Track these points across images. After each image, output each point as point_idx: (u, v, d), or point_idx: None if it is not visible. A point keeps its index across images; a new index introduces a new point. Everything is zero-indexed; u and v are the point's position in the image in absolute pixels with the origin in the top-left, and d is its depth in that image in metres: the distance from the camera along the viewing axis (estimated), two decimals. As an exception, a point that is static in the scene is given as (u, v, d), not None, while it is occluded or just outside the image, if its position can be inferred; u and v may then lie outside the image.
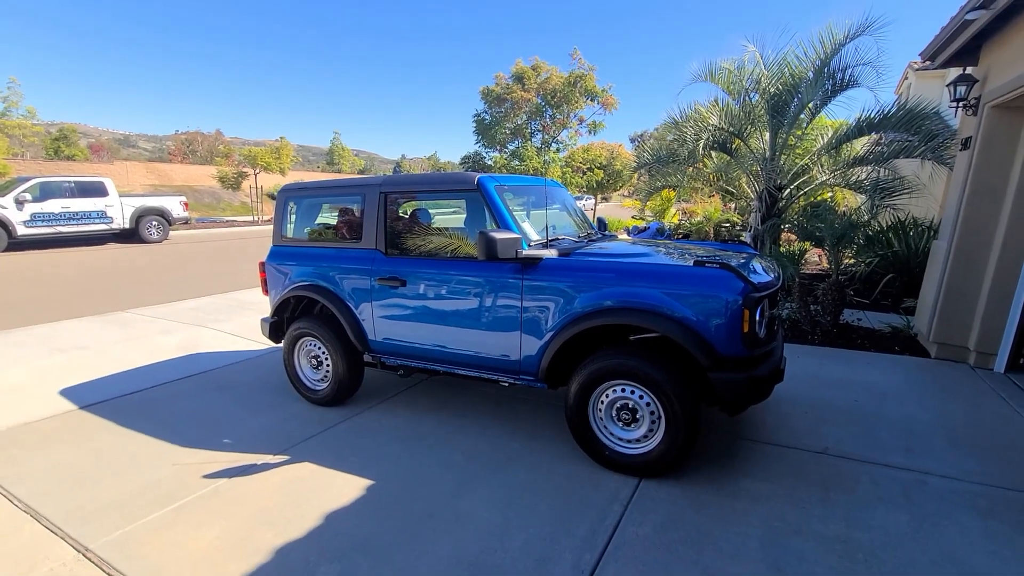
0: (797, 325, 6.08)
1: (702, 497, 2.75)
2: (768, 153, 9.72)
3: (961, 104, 4.93)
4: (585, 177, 16.22)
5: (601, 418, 3.02)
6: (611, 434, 3.01)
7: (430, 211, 4.02)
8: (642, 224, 8.02)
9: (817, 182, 9.78)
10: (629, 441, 2.96)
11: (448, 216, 4.64)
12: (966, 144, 4.87)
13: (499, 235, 2.93)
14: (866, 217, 6.22)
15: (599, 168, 16.24)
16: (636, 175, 12.56)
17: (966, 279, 4.75)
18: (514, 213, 3.33)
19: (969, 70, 4.97)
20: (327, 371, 4.01)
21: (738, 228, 13.28)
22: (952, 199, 5.03)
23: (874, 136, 9.44)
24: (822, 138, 10.08)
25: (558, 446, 3.29)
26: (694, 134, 9.11)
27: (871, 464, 3.04)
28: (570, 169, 16.05)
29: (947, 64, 5.32)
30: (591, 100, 14.94)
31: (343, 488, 2.89)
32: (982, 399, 4.00)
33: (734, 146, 9.72)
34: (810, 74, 8.93)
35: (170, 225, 15.88)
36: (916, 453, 3.17)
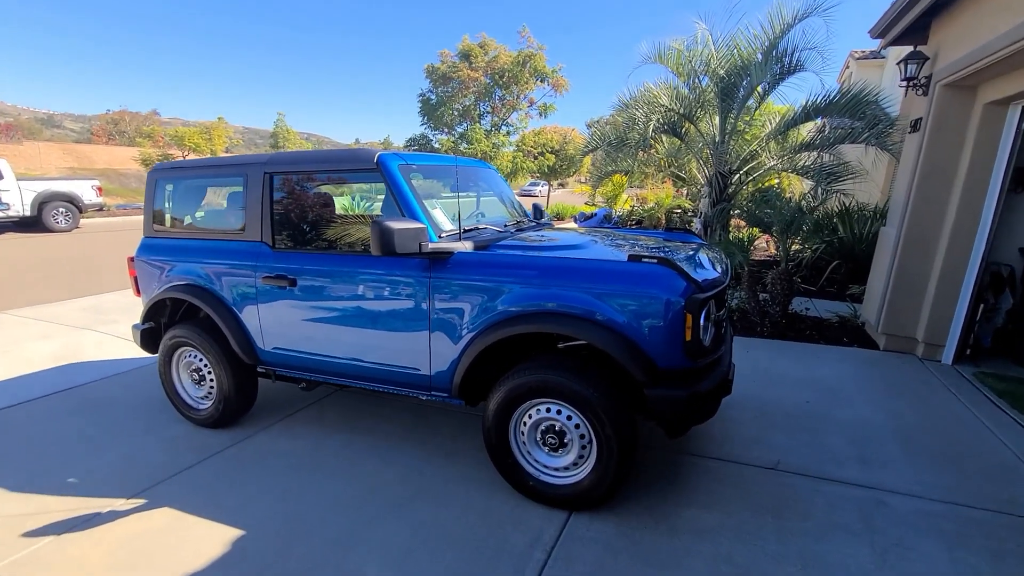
0: (746, 316, 5.83)
1: (638, 534, 2.33)
2: (718, 137, 9.50)
3: (911, 84, 4.71)
4: (536, 162, 15.73)
5: (524, 442, 2.56)
6: (536, 461, 2.55)
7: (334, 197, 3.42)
8: (589, 211, 7.62)
9: (766, 167, 9.68)
10: (556, 469, 2.51)
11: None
12: (916, 126, 4.66)
13: (397, 225, 2.39)
14: (814, 203, 6.01)
15: (551, 152, 15.80)
16: (589, 160, 12.13)
17: (915, 267, 4.56)
18: (423, 198, 2.79)
19: (919, 48, 4.74)
20: (211, 387, 3.38)
21: (690, 214, 13.17)
22: (901, 183, 4.83)
23: (820, 122, 9.40)
24: (770, 123, 9.96)
25: (480, 471, 2.81)
26: (644, 116, 8.75)
27: (825, 481, 2.72)
28: (521, 153, 15.51)
29: (897, 41, 5.09)
30: (541, 81, 14.39)
31: (202, 545, 2.31)
32: (933, 396, 3.80)
33: (684, 130, 9.44)
34: (759, 56, 8.71)
35: (81, 212, 14.33)
36: (871, 465, 2.87)
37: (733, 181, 9.69)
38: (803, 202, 5.45)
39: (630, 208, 14.86)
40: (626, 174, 12.60)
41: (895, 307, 4.67)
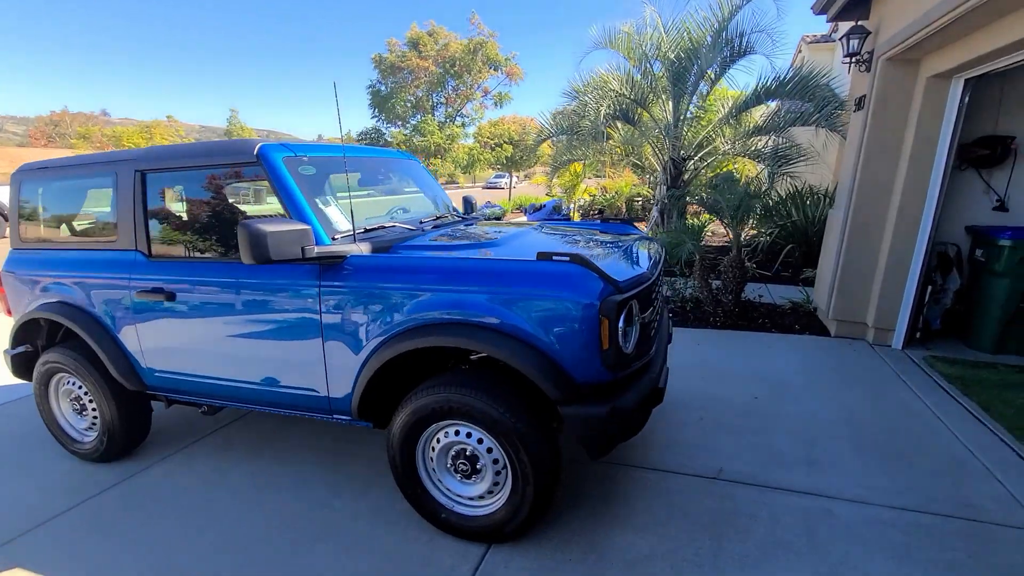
0: (699, 305, 5.66)
1: (564, 568, 2.06)
2: (671, 123, 9.35)
3: (854, 60, 4.55)
4: (494, 153, 15.37)
5: (434, 469, 2.25)
6: (448, 490, 2.25)
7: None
8: (538, 203, 7.35)
9: (720, 153, 9.58)
10: (471, 499, 2.22)
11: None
12: (860, 103, 4.51)
13: (272, 227, 2.03)
14: (764, 187, 5.86)
15: (507, 143, 15.45)
16: (549, 149, 11.86)
17: (863, 250, 4.43)
18: (320, 195, 2.44)
19: (861, 23, 4.59)
20: (94, 417, 2.97)
21: (652, 202, 13.05)
22: (847, 165, 4.69)
23: (772, 105, 9.33)
24: (723, 108, 9.88)
25: (394, 502, 2.48)
26: (595, 102, 8.51)
27: (770, 490, 2.50)
28: (478, 145, 15.11)
29: (840, 16, 4.94)
30: (494, 69, 13.99)
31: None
32: (884, 385, 3.66)
33: (637, 116, 9.23)
34: (708, 39, 8.56)
35: (7, 221, 13.28)
36: (820, 467, 2.68)
37: (688, 167, 9.58)
38: (751, 186, 5.27)
39: (590, 197, 14.68)
40: (581, 163, 12.39)
41: (844, 292, 4.54)
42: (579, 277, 1.93)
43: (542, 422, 2.03)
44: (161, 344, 2.69)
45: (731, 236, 5.47)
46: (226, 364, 2.57)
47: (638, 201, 14.65)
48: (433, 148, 13.07)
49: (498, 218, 7.69)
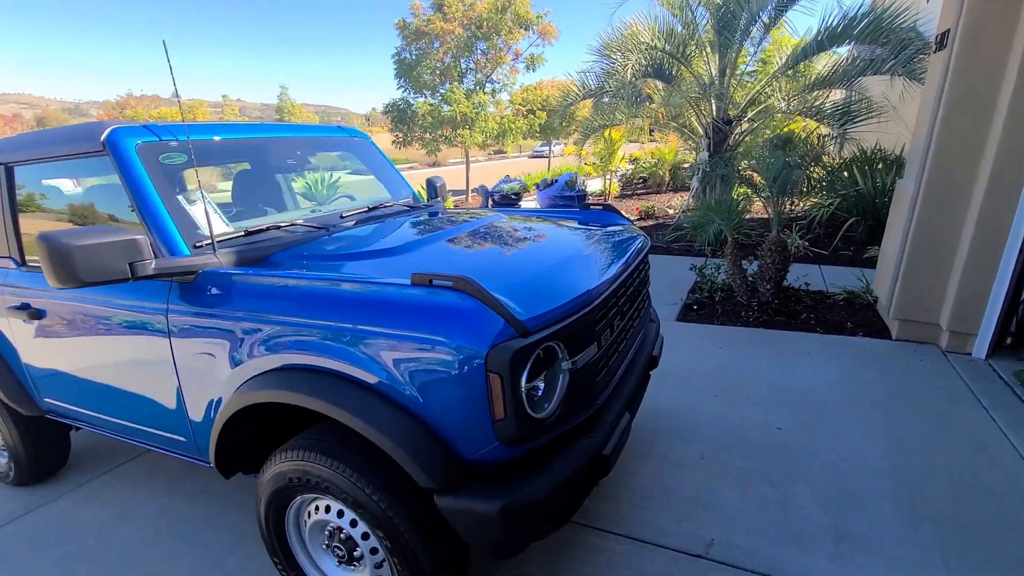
0: (731, 296, 4.83)
1: None
2: (716, 78, 8.22)
3: (937, -18, 3.50)
4: (527, 120, 14.47)
5: (309, 546, 1.75)
6: (325, 572, 1.75)
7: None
8: (550, 177, 6.57)
9: (775, 111, 8.37)
10: (353, 588, 1.71)
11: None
12: (942, 41, 3.47)
13: (81, 239, 1.54)
14: (818, 151, 4.84)
15: (541, 109, 14.48)
16: (587, 114, 10.96)
17: (939, 230, 3.48)
18: (175, 194, 1.92)
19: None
20: (3, 440, 2.69)
21: (692, 171, 11.86)
22: (923, 120, 3.68)
23: (840, 52, 7.98)
24: (779, 58, 8.57)
25: (290, 565, 2.02)
26: (623, 58, 7.52)
27: (775, 581, 1.84)
28: (510, 113, 14.27)
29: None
30: (525, 29, 12.97)
31: None
32: (957, 411, 2.82)
33: (674, 72, 8.14)
34: (762, -25, 7.34)
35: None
36: (852, 547, 1.97)
37: (735, 130, 8.45)
38: (797, 151, 4.32)
39: (628, 167, 13.57)
40: (618, 129, 11.35)
41: (912, 283, 3.62)
42: (460, 313, 1.32)
43: (431, 511, 1.45)
44: (38, 368, 2.33)
45: (770, 212, 4.58)
46: (97, 397, 2.17)
47: (685, 168, 13.40)
48: (459, 118, 12.38)
49: (515, 195, 7.03)
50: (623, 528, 2.13)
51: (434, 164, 30.24)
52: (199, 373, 1.77)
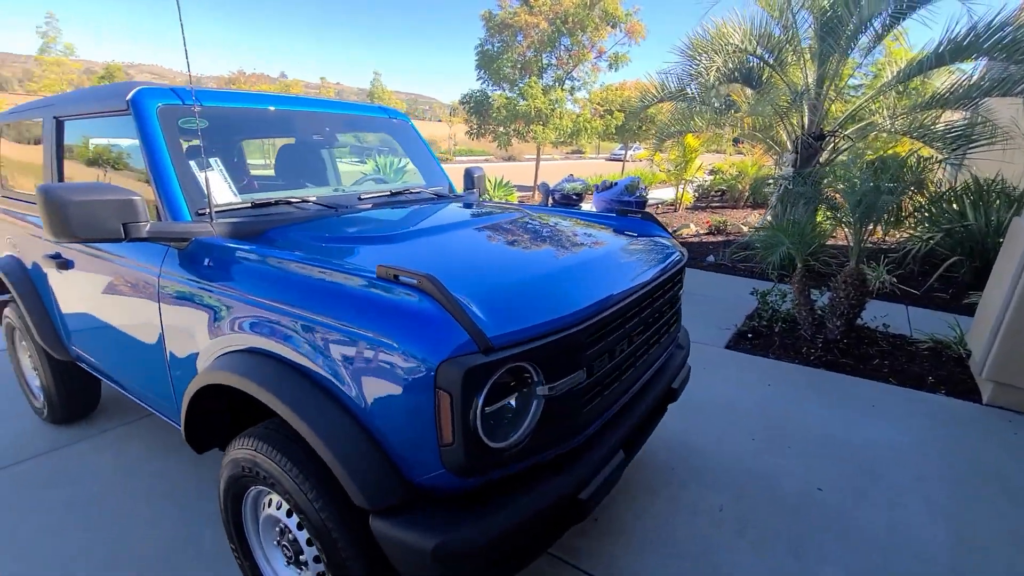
0: (793, 328, 4.35)
1: None
2: (812, 88, 7.52)
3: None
4: (604, 121, 14.05)
5: (261, 537, 1.67)
6: (276, 571, 1.66)
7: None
8: (610, 180, 6.20)
9: (875, 129, 7.56)
10: (299, 591, 1.61)
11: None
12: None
13: (79, 195, 1.53)
14: (914, 174, 4.23)
15: (619, 110, 13.98)
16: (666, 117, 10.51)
17: (1060, 284, 2.89)
18: (186, 160, 1.89)
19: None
20: (40, 380, 2.86)
21: (773, 187, 11.02)
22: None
23: (961, 69, 7.04)
24: (890, 72, 7.70)
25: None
26: (708, 60, 7.02)
27: None
28: (587, 112, 13.92)
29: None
30: (612, 27, 12.56)
31: None
32: (1054, 504, 2.31)
33: (764, 78, 7.51)
34: (877, -24, 6.61)
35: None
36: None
37: (827, 146, 7.69)
38: (877, 178, 3.77)
39: (705, 177, 12.83)
40: (695, 136, 10.73)
41: (1016, 342, 3.04)
42: (417, 315, 1.15)
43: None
44: (65, 315, 2.43)
45: (850, 240, 4.06)
46: (106, 347, 2.22)
47: (769, 184, 12.48)
48: (534, 113, 12.22)
49: (577, 195, 6.74)
50: (611, 573, 1.89)
51: (509, 158, 30.34)
52: (181, 342, 1.73)
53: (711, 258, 7.31)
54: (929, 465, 2.57)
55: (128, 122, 1.92)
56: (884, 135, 8.32)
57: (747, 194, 12.16)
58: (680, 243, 2.26)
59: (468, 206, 2.54)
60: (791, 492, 2.34)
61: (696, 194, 12.83)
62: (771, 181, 12.78)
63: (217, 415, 1.74)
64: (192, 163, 1.91)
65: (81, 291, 2.27)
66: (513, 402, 1.25)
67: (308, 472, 1.31)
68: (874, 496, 2.33)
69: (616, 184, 5.85)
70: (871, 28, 6.94)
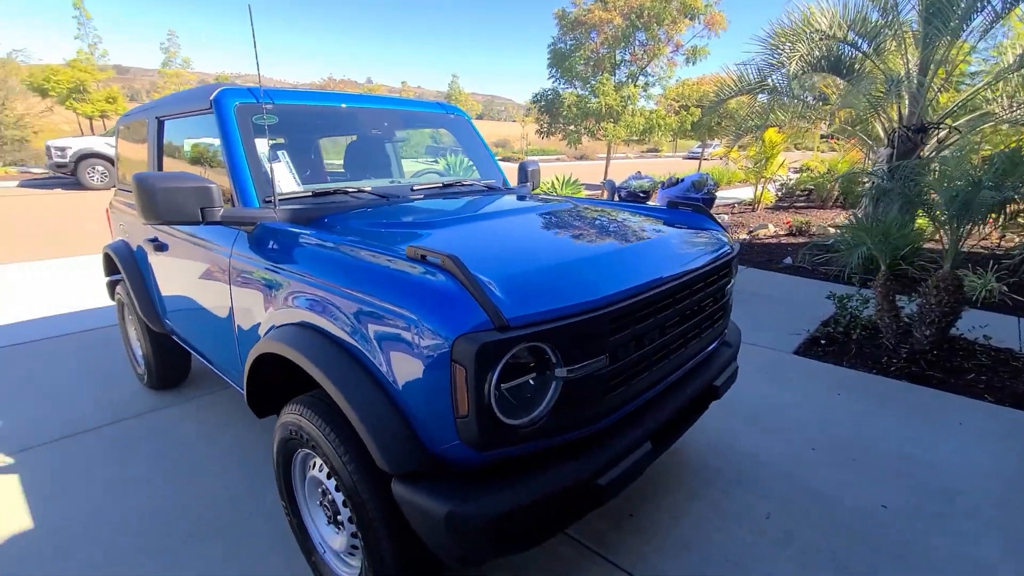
0: (875, 335, 4.01)
1: None
2: (914, 76, 6.84)
3: None
4: (679, 117, 13.56)
5: (306, 496, 1.81)
6: (319, 529, 1.79)
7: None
8: (676, 176, 5.93)
9: (993, 119, 6.77)
10: (336, 551, 1.73)
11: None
12: None
13: (164, 182, 1.75)
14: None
15: (695, 106, 13.42)
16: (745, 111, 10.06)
17: None
18: (257, 151, 2.09)
19: None
20: (142, 349, 3.25)
21: (865, 185, 10.12)
22: None
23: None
24: (1012, 53, 6.84)
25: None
26: (790, 48, 6.59)
27: None
28: (661, 108, 13.50)
29: None
30: (691, 19, 12.08)
31: (-22, 532, 2.08)
32: None
33: (856, 66, 6.91)
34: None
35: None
36: None
37: (930, 140, 6.96)
38: (982, 172, 3.36)
39: (790, 175, 12.01)
40: (777, 131, 10.09)
41: None
42: (439, 292, 1.21)
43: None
44: (163, 292, 2.75)
45: (945, 242, 3.67)
46: (189, 321, 2.49)
47: (864, 182, 11.45)
48: (604, 110, 12.05)
49: (644, 192, 6.55)
50: (637, 569, 1.86)
51: (581, 157, 30.06)
52: (246, 315, 1.91)
53: (788, 260, 6.86)
54: (1016, 494, 2.29)
55: (211, 119, 2.14)
56: (1005, 127, 7.43)
57: (836, 193, 11.26)
58: (755, 244, 2.17)
59: (518, 198, 2.59)
60: (848, 507, 2.18)
61: (779, 193, 12.06)
62: (864, 179, 11.76)
63: (276, 384, 1.91)
64: (262, 155, 2.10)
65: (172, 270, 2.56)
66: (531, 382, 1.28)
67: (342, 437, 1.42)
68: (944, 520, 2.11)
69: (683, 180, 5.63)
70: (988, 6, 6.20)
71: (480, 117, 61.99)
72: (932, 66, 6.65)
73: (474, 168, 2.98)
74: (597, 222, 2.02)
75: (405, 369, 1.26)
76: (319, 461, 1.65)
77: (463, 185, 2.66)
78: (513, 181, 3.10)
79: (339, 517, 1.61)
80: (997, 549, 1.97)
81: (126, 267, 2.98)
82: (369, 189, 2.27)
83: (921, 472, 2.42)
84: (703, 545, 1.98)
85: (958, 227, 3.50)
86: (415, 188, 2.43)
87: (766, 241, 8.20)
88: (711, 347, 1.97)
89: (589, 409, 1.38)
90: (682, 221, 2.24)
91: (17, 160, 17.83)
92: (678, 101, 13.79)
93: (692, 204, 2.30)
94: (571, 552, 1.95)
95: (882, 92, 6.50)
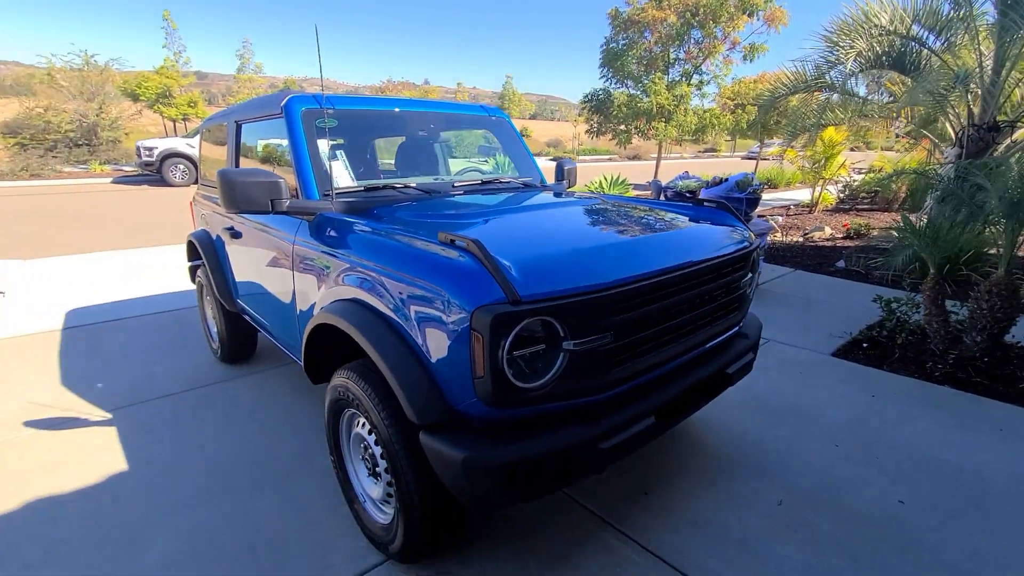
0: (922, 341, 3.89)
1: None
2: (988, 71, 6.46)
3: None
4: (735, 115, 13.23)
5: (351, 450, 2.07)
6: (361, 480, 2.04)
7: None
8: (722, 176, 5.82)
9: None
10: (374, 499, 1.97)
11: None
12: None
13: (241, 177, 2.05)
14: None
15: (751, 104, 13.03)
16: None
17: None
18: (321, 150, 2.37)
19: None
20: (217, 326, 3.67)
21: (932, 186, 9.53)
22: None
23: None
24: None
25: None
26: (848, 44, 6.37)
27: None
28: (716, 107, 13.23)
29: None
30: (749, 15, 11.76)
31: (87, 471, 2.48)
32: None
33: (921, 62, 6.59)
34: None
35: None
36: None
37: (1004, 139, 6.54)
38: None
39: (852, 176, 11.46)
40: (838, 131, 9.71)
41: None
42: (462, 271, 1.42)
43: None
44: (235, 275, 3.11)
45: (1000, 247, 3.53)
46: (257, 302, 2.83)
47: (935, 182, 10.77)
48: (656, 110, 11.96)
49: (690, 192, 6.50)
50: (649, 542, 2.00)
51: (634, 157, 29.68)
52: (305, 294, 2.20)
53: (841, 263, 6.64)
54: (1056, 499, 2.24)
55: (281, 123, 2.45)
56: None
57: (903, 196, 10.67)
58: (808, 246, 2.26)
59: (549, 194, 2.76)
60: (865, 500, 2.22)
61: (841, 195, 11.56)
62: (928, 180, 11.05)
63: (328, 355, 2.18)
64: (323, 154, 2.39)
65: (244, 255, 2.91)
66: (542, 352, 1.46)
67: (381, 396, 1.65)
68: (965, 521, 2.11)
69: (727, 180, 5.57)
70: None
71: (534, 117, 62.33)
72: (1008, 62, 6.25)
73: (513, 166, 3.18)
74: (616, 216, 2.17)
75: (433, 336, 1.48)
76: (362, 419, 1.90)
77: (500, 182, 2.86)
78: (551, 179, 3.28)
79: (377, 469, 1.85)
80: (1013, 547, 1.97)
81: (206, 253, 3.38)
82: (414, 184, 2.51)
83: (947, 472, 2.41)
84: (711, 525, 2.09)
85: (1012, 229, 3.36)
86: (456, 184, 2.66)
87: (821, 244, 7.95)
88: (725, 336, 2.08)
89: (594, 380, 1.54)
90: (706, 217, 2.34)
91: (111, 159, 19.67)
92: (733, 100, 13.45)
93: (716, 202, 2.40)
94: (586, 522, 2.11)
95: (947, 89, 6.17)
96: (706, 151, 40.80)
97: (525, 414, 1.49)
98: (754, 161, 25.37)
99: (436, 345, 1.48)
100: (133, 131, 22.20)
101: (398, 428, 1.60)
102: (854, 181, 11.69)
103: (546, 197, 2.57)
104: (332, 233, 2.04)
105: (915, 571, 1.86)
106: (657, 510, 2.17)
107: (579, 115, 14.98)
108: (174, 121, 24.00)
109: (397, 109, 2.78)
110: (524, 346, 1.42)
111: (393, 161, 2.95)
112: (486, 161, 3.62)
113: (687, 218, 2.27)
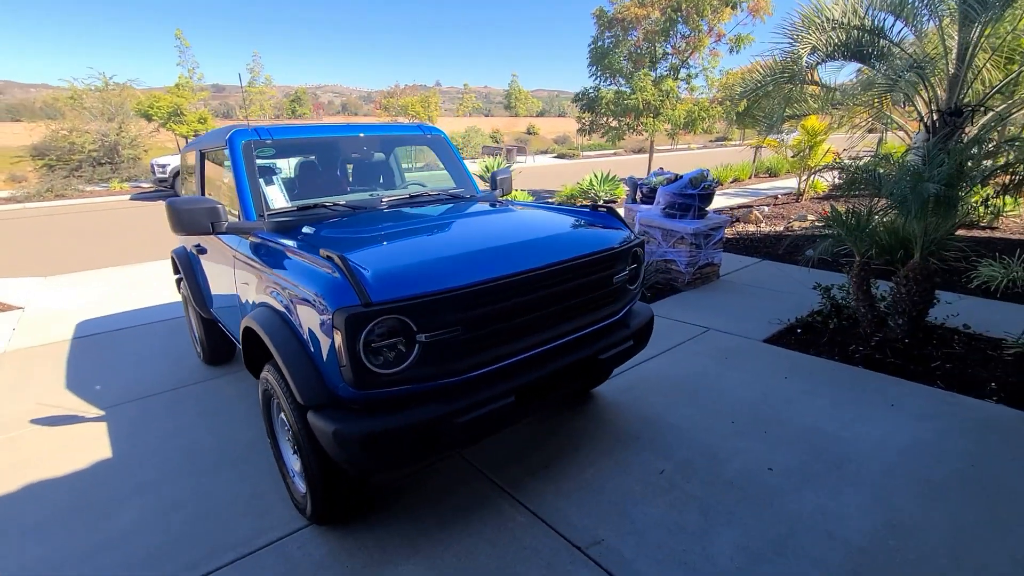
0: (853, 326, 4.12)
1: (340, 566, 2.03)
2: (953, 57, 6.55)
3: None
4: (724, 107, 13.28)
5: (281, 433, 2.44)
6: (288, 458, 2.41)
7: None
8: (675, 174, 5.97)
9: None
10: (297, 472, 2.34)
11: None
12: None
13: (185, 204, 2.44)
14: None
15: (727, 100, 13.06)
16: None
17: None
18: (257, 177, 2.75)
19: None
20: (197, 331, 4.09)
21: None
22: None
23: None
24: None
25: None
26: (803, 39, 6.51)
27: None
28: (704, 99, 13.31)
29: None
30: (733, 8, 11.83)
31: (80, 457, 2.91)
32: (1038, 515, 2.13)
33: (879, 51, 6.68)
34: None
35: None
36: (734, 592, 1.83)
37: (975, 122, 6.61)
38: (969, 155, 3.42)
39: (834, 163, 11.45)
40: (813, 117, 9.76)
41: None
42: (331, 280, 1.77)
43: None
44: (207, 284, 3.53)
45: (916, 231, 3.74)
46: (221, 306, 3.24)
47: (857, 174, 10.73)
48: (642, 106, 12.13)
49: (650, 189, 6.74)
50: (534, 504, 2.32)
51: (639, 151, 29.65)
52: (245, 300, 2.58)
53: (810, 252, 6.80)
54: (918, 464, 2.48)
55: (227, 153, 2.84)
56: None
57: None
58: (786, 236, 2.53)
59: (463, 206, 3.08)
60: (736, 469, 2.50)
61: (832, 183, 11.59)
62: (847, 169, 10.99)
63: (261, 354, 2.54)
64: (261, 180, 2.76)
65: (210, 268, 3.32)
66: (401, 343, 1.80)
67: (284, 385, 2.01)
68: (822, 483, 2.38)
69: (681, 177, 5.78)
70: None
71: (541, 114, 62.53)
72: (969, 48, 6.32)
73: (449, 178, 3.52)
74: (499, 223, 2.50)
75: (313, 333, 1.83)
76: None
77: (428, 196, 3.20)
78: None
79: (298, 447, 2.22)
80: (855, 504, 2.24)
81: (183, 267, 3.80)
82: (343, 202, 2.87)
83: (822, 442, 2.67)
84: (595, 492, 2.40)
85: (919, 219, 3.57)
86: (384, 200, 3.01)
87: (797, 233, 8.09)
88: (597, 326, 2.38)
89: (450, 365, 1.88)
90: (591, 221, 2.65)
91: (131, 176, 20.61)
92: (726, 90, 13.53)
93: (605, 207, 2.70)
94: (488, 490, 2.45)
95: (899, 77, 6.29)
96: (714, 141, 40.42)
97: (391, 394, 1.83)
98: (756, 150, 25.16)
99: (315, 341, 1.83)
100: (152, 148, 23.19)
101: (297, 411, 1.96)
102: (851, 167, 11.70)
103: (454, 209, 2.91)
104: (260, 249, 2.41)
105: (756, 523, 2.15)
106: (551, 480, 2.49)
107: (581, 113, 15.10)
108: (185, 138, 24.94)
109: (333, 135, 3.14)
110: (384, 339, 1.76)
111: (335, 180, 3.31)
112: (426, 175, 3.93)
113: (572, 223, 2.58)
